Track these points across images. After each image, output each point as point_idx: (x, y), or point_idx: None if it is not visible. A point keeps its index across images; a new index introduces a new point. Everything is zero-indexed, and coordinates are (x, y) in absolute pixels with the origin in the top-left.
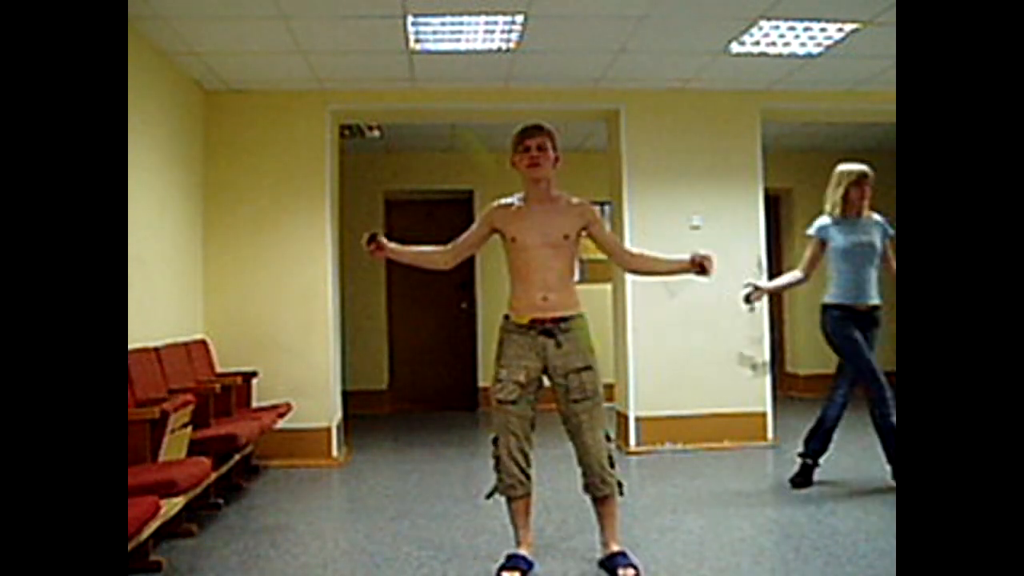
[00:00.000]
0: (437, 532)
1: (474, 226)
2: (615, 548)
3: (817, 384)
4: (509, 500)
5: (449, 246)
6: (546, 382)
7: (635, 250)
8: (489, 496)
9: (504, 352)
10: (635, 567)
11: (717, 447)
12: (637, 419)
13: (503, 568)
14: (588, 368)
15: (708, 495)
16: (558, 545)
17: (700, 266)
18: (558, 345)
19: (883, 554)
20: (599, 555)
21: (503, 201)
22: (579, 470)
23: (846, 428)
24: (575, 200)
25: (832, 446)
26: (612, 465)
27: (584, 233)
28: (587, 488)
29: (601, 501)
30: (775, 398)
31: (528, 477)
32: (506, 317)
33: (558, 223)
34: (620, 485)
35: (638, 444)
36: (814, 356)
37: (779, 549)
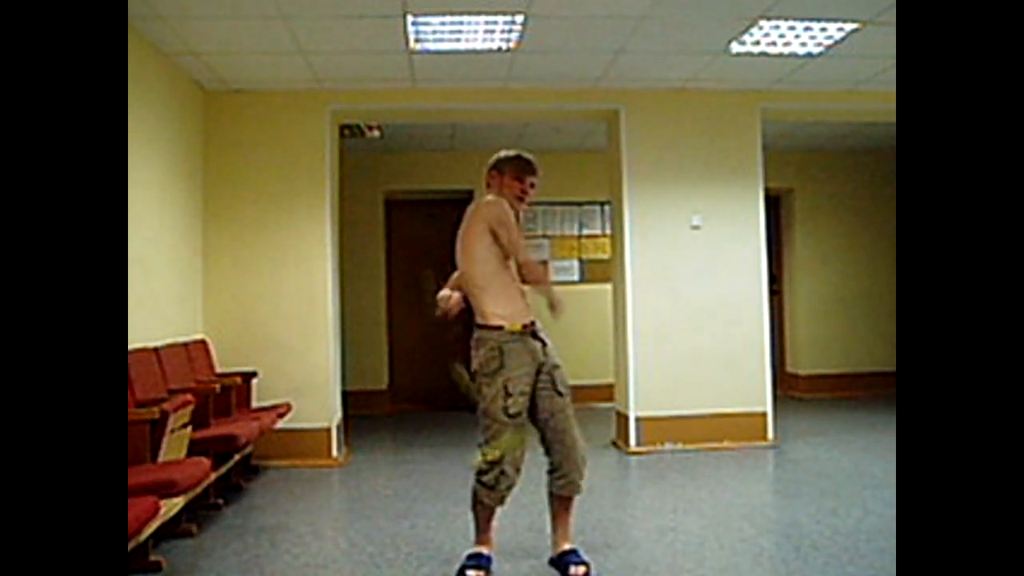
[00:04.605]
0: (437, 532)
1: (514, 227)
2: (567, 546)
3: (817, 384)
4: (490, 507)
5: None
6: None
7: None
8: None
9: (506, 364)
10: (586, 564)
11: (717, 447)
12: (637, 419)
13: (469, 568)
14: (560, 366)
15: (708, 495)
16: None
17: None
18: (543, 344)
19: (883, 554)
20: (550, 553)
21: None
22: (554, 471)
23: (847, 428)
24: None
25: (832, 445)
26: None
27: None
28: (564, 487)
29: (567, 500)
30: (775, 398)
31: None
32: (497, 328)
33: None
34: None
35: (638, 444)
36: (814, 356)
37: (779, 549)
